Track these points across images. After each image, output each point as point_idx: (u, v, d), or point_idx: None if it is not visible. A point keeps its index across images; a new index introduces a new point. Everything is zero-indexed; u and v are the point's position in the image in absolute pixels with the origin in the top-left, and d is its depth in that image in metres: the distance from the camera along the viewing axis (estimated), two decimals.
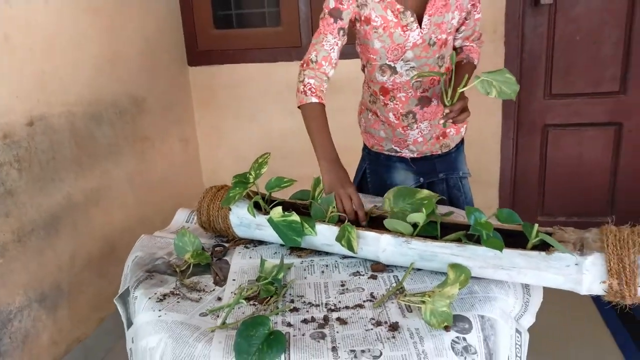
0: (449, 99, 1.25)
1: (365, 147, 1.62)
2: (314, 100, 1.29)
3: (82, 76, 1.90)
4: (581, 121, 2.63)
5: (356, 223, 1.18)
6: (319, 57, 1.32)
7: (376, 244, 1.12)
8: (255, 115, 2.82)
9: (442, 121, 1.26)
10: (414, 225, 1.08)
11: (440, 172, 1.52)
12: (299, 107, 1.32)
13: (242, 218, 1.27)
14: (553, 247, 0.95)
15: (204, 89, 2.81)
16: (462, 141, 1.56)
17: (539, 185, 2.76)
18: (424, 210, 1.05)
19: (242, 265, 1.20)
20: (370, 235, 1.12)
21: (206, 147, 2.91)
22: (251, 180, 1.29)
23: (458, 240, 1.05)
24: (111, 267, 2.01)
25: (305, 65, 1.34)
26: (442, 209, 1.46)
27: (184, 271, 1.18)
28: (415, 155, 1.52)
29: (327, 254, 1.22)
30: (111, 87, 2.07)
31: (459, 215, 1.40)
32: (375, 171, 1.58)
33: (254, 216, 1.24)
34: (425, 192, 1.13)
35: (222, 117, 2.84)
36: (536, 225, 0.97)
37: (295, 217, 1.17)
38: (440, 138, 1.50)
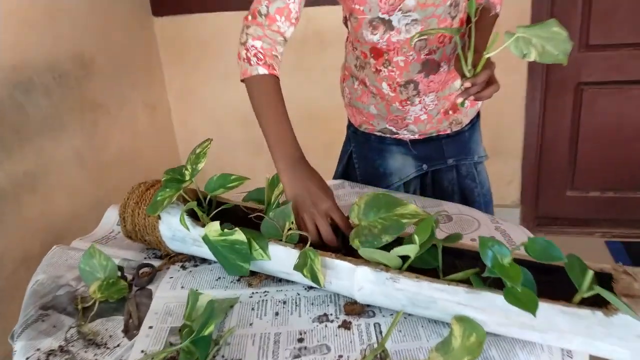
0: (469, 67, 0.89)
1: (350, 125, 1.27)
2: (263, 70, 0.94)
3: (1, 34, 1.55)
4: (623, 78, 2.23)
5: (324, 246, 0.86)
6: (271, 8, 0.95)
7: (350, 278, 0.79)
8: (235, 74, 2.45)
9: (459, 99, 0.89)
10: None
11: (450, 156, 1.17)
12: (242, 80, 0.97)
13: (175, 230, 0.95)
14: (614, 305, 0.62)
15: (174, 43, 2.43)
16: (477, 115, 1.20)
17: (570, 155, 2.39)
18: (416, 239, 0.71)
19: (167, 301, 0.89)
20: (342, 266, 0.80)
21: (179, 113, 2.56)
22: (187, 178, 0.96)
23: (467, 282, 0.72)
24: None
25: (250, 19, 0.98)
26: (450, 208, 1.12)
27: (88, 308, 0.88)
28: (416, 136, 1.17)
29: (288, 281, 0.90)
30: (46, 46, 1.72)
31: (470, 223, 1.06)
32: (364, 156, 1.24)
33: (187, 229, 0.92)
34: (411, 207, 0.79)
35: (196, 77, 2.48)
36: (590, 272, 0.63)
37: (239, 235, 0.85)
38: (450, 113, 1.14)
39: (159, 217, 0.98)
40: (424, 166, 1.19)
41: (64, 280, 0.97)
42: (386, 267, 0.77)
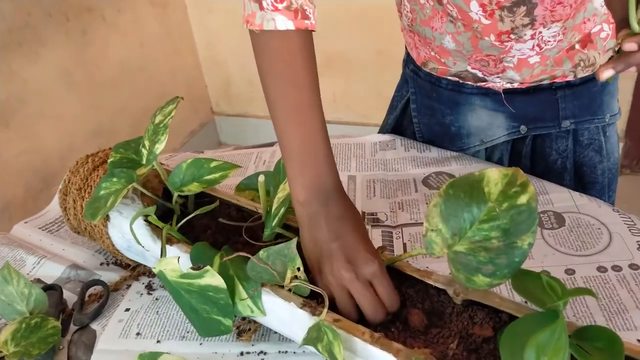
0: None
1: (409, 60, 0.86)
2: (283, 22, 0.51)
3: None
4: None
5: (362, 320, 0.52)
6: None
7: None
8: None
9: (606, 72, 0.45)
10: None
11: (568, 117, 0.76)
12: (254, 30, 0.54)
13: (130, 239, 0.64)
14: None
15: None
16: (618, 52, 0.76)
17: None
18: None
19: (116, 348, 0.59)
20: (377, 354, 0.46)
21: (197, 11, 2.15)
22: (143, 161, 0.63)
23: None
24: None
25: None
26: (560, 198, 0.75)
27: None
28: (515, 85, 0.75)
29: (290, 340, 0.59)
30: None
31: (593, 231, 0.69)
32: (429, 108, 0.85)
33: (138, 243, 0.60)
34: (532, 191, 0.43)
35: None
36: None
37: (213, 278, 0.52)
38: (577, 48, 0.71)
39: (107, 218, 0.66)
40: (522, 128, 0.79)
41: None
42: None
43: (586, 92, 0.74)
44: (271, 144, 0.98)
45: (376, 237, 0.73)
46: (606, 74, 0.43)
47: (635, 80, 1.87)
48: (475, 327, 0.50)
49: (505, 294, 0.60)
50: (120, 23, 1.76)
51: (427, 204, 0.79)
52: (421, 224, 0.75)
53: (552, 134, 0.78)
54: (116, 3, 1.74)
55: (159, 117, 0.62)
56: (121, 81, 1.77)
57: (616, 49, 0.44)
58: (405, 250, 0.71)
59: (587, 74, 0.73)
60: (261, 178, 0.55)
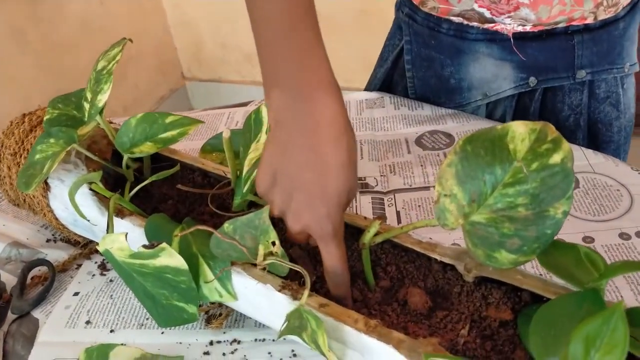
0: None
1: (404, 3, 0.76)
2: None
3: None
4: None
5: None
6: None
7: None
8: None
9: None
10: None
11: (584, 66, 0.67)
12: None
13: (74, 211, 0.54)
14: None
15: None
16: None
17: None
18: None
19: (58, 354, 0.50)
20: (374, 347, 0.38)
21: None
22: (86, 116, 0.53)
23: None
24: None
25: None
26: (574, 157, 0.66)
27: None
28: (528, 28, 0.66)
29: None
30: None
31: (612, 194, 0.61)
32: (426, 58, 0.75)
33: (82, 216, 0.51)
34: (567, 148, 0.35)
35: None
36: None
37: (171, 258, 0.43)
38: None
39: (47, 187, 0.56)
40: (532, 80, 0.70)
41: None
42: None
43: (606, 36, 0.65)
44: (244, 104, 0.88)
45: (365, 204, 0.65)
46: None
47: None
48: (490, 309, 0.42)
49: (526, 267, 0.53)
50: None
51: (421, 166, 0.70)
52: (416, 189, 0.67)
53: (564, 86, 0.70)
54: None
55: (101, 62, 0.51)
56: (80, 42, 1.63)
57: None
58: (399, 220, 0.62)
59: (608, 15, 0.64)
60: (226, 133, 0.45)
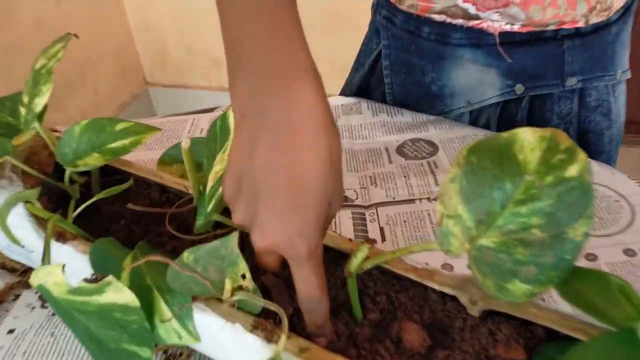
0: None
1: (381, 4, 0.70)
2: None
3: None
4: None
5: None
6: None
7: None
8: None
9: None
10: None
11: (574, 73, 0.63)
12: None
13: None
14: None
15: None
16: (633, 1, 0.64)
17: None
18: None
19: None
20: None
21: None
22: (22, 120, 0.45)
23: None
24: None
25: None
26: None
27: None
28: (515, 28, 0.61)
29: None
30: None
31: (613, 205, 0.57)
32: (406, 63, 0.70)
33: (13, 241, 0.43)
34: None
35: None
36: None
37: (119, 293, 0.35)
38: None
39: None
40: (518, 87, 0.65)
41: None
42: None
43: (597, 41, 0.61)
44: (210, 110, 0.81)
45: (345, 220, 0.59)
46: None
47: None
48: (499, 347, 0.36)
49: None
50: None
51: (405, 177, 0.65)
52: (400, 202, 0.61)
53: (553, 94, 0.65)
54: None
55: (41, 60, 0.43)
56: (35, 44, 1.52)
57: None
58: (383, 237, 0.56)
59: (600, 19, 0.60)
60: (185, 143, 0.38)
